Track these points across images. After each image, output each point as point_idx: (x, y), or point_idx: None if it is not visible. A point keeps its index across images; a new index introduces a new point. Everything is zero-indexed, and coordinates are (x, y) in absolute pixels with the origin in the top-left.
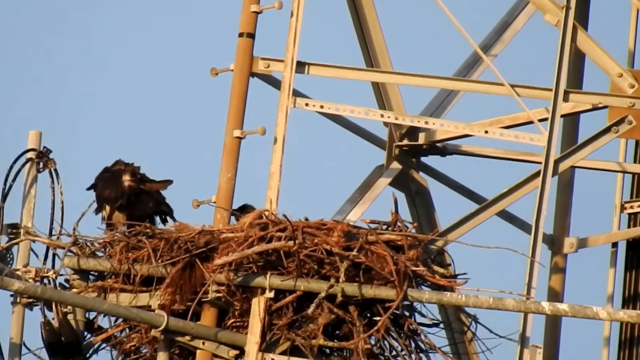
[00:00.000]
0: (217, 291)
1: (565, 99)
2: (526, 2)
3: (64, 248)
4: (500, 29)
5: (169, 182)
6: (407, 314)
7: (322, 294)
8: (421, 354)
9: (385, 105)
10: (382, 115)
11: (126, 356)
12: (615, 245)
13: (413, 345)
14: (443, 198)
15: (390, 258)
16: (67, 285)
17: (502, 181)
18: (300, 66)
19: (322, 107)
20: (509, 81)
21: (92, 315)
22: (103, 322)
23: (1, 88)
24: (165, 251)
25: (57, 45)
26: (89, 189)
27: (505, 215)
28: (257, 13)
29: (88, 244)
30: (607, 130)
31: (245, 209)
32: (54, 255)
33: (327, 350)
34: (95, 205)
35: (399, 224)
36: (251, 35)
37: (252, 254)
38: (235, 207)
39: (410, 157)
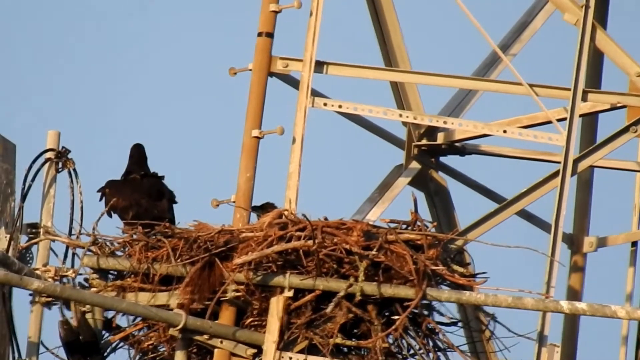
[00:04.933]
0: (236, 290)
1: (584, 99)
2: (545, 2)
3: (83, 247)
4: (519, 28)
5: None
6: (425, 312)
7: (341, 293)
8: (439, 353)
9: (404, 105)
10: (400, 115)
11: (144, 355)
12: (634, 244)
13: (431, 344)
14: (462, 197)
15: (410, 257)
16: (86, 285)
17: (521, 181)
18: (319, 66)
19: (340, 106)
20: (527, 81)
21: (110, 314)
22: (121, 321)
23: (21, 88)
24: (185, 250)
25: (77, 45)
26: (99, 191)
27: (524, 214)
28: (276, 12)
29: (107, 243)
30: (625, 129)
31: (266, 208)
32: (73, 254)
33: (345, 349)
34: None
35: (418, 223)
36: (270, 35)
37: (272, 253)
38: (256, 204)
39: (429, 156)
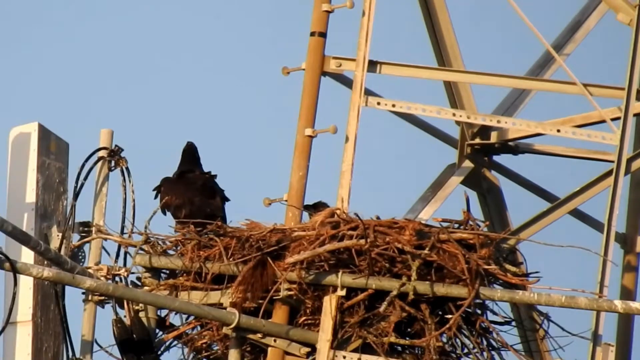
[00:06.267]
0: (289, 289)
1: (638, 98)
2: (598, 1)
3: (135, 246)
4: (572, 28)
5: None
6: (478, 312)
7: (394, 292)
8: (493, 352)
9: (457, 104)
10: (454, 114)
11: (197, 353)
12: None
13: (485, 343)
14: (515, 196)
15: (462, 256)
16: (139, 283)
17: (574, 180)
18: (372, 65)
19: (393, 106)
20: (581, 80)
21: (163, 312)
22: (175, 319)
23: (74, 87)
24: (237, 249)
25: (130, 44)
26: (155, 189)
27: (577, 213)
28: (328, 12)
29: (159, 242)
30: None
31: (318, 207)
32: (125, 253)
33: (399, 348)
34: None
35: (470, 222)
36: (323, 34)
37: (324, 253)
38: (308, 203)
39: (482, 155)
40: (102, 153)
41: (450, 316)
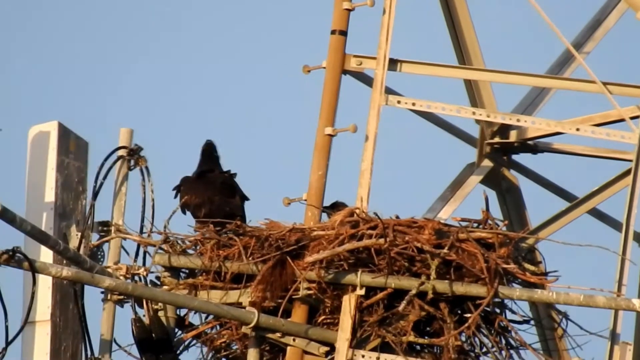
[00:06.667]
0: (308, 288)
1: None
2: (618, 0)
3: (154, 245)
4: (592, 26)
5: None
6: (497, 311)
7: (413, 291)
8: (511, 351)
9: (477, 103)
10: (473, 113)
11: (216, 353)
12: None
13: (503, 342)
14: (534, 196)
15: (481, 255)
16: (158, 283)
17: (593, 179)
18: (393, 64)
19: (413, 104)
20: (600, 79)
21: (182, 312)
22: (194, 319)
23: (93, 85)
24: (256, 249)
25: (149, 43)
26: (175, 189)
27: (596, 213)
28: (349, 10)
29: (179, 241)
30: None
31: (336, 207)
32: (144, 252)
33: (418, 347)
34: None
35: (489, 221)
36: (343, 33)
37: (343, 252)
38: (326, 204)
39: (502, 154)
40: (121, 152)
41: (469, 315)
